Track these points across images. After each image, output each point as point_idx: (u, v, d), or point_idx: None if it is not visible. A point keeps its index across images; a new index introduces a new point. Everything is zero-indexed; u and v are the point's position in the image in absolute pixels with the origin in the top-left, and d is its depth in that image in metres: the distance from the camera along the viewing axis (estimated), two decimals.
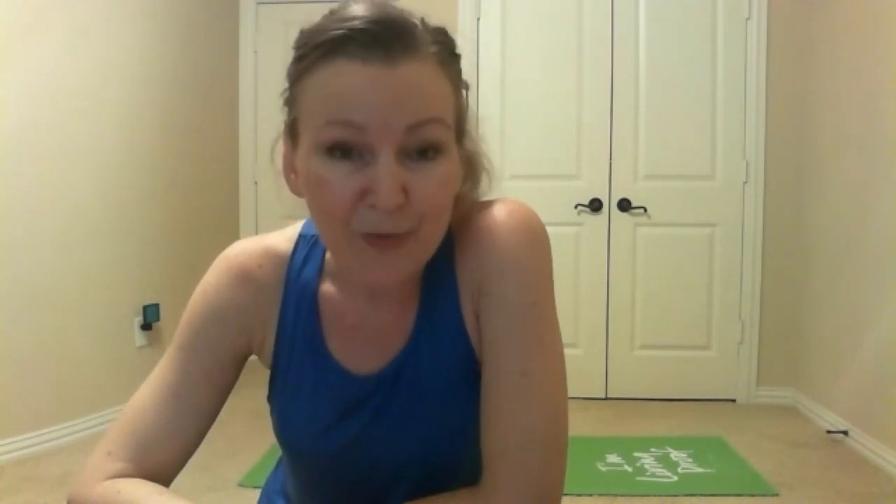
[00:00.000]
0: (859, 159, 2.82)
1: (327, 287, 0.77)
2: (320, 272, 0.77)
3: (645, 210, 3.42)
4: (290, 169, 0.70)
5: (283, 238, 0.80)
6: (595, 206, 3.42)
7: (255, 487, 2.31)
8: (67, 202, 2.77)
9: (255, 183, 4.09)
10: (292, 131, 0.68)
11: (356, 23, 0.61)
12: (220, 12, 3.89)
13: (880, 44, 2.66)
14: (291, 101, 0.67)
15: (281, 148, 0.71)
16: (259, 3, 4.03)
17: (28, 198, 2.61)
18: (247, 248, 0.79)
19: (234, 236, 4.05)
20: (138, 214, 3.15)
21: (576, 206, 3.42)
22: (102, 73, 2.92)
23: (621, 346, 3.48)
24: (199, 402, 0.74)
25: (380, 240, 0.63)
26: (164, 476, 0.72)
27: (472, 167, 0.75)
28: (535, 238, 0.72)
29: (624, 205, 3.41)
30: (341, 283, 0.76)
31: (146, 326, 3.16)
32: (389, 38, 0.61)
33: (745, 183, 3.37)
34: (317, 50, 0.62)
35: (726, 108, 3.37)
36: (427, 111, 0.62)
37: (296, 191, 0.70)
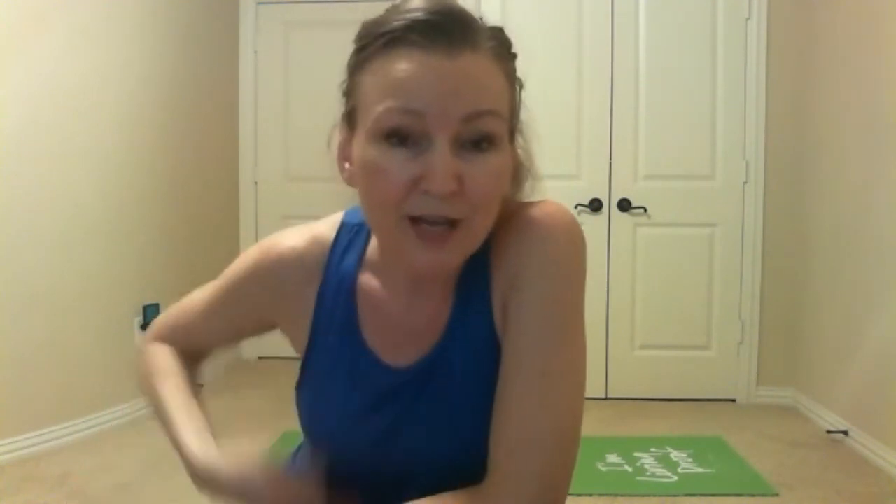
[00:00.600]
0: (859, 159, 2.82)
1: (367, 277, 0.77)
2: (360, 262, 0.78)
3: (645, 210, 3.42)
4: (343, 158, 0.72)
5: (326, 225, 0.81)
6: (595, 206, 3.43)
7: None
8: (67, 202, 2.77)
9: (255, 183, 4.09)
10: (350, 120, 0.70)
11: (418, 14, 0.63)
12: (220, 12, 3.89)
13: (880, 43, 2.66)
14: (350, 91, 0.69)
15: (336, 139, 0.73)
16: (259, 3, 4.03)
17: (28, 198, 2.61)
18: (284, 234, 0.81)
19: (234, 236, 4.05)
20: (138, 214, 3.15)
21: (576, 206, 3.42)
22: (102, 73, 2.92)
23: (621, 346, 3.48)
24: (224, 327, 0.89)
25: (427, 233, 0.65)
26: (198, 353, 0.93)
27: (518, 169, 0.76)
28: (571, 240, 0.72)
29: (624, 205, 3.42)
30: (381, 274, 0.77)
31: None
32: (450, 29, 0.63)
33: (745, 183, 3.37)
34: (378, 40, 0.65)
35: (726, 108, 3.37)
36: (484, 102, 0.64)
37: (349, 180, 0.72)
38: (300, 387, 0.81)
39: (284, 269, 0.79)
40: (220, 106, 3.90)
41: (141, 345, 0.94)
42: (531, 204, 0.75)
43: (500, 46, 0.68)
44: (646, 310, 3.46)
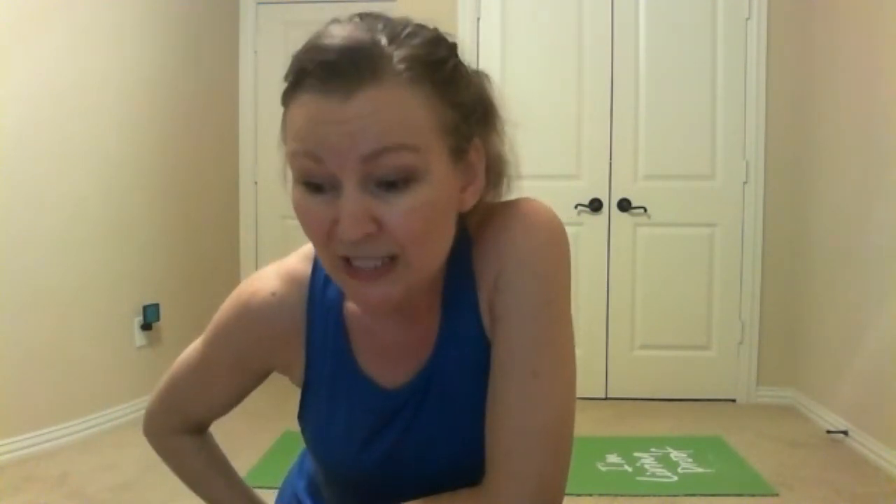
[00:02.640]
0: (859, 159, 2.82)
1: (352, 304, 0.76)
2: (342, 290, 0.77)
3: (645, 210, 3.42)
4: None
5: (299, 260, 0.79)
6: (595, 206, 3.43)
7: (255, 487, 2.30)
8: (67, 202, 2.77)
9: (255, 183, 4.09)
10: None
11: (317, 55, 0.60)
12: (220, 12, 3.89)
13: (880, 44, 2.66)
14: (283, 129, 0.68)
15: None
16: (259, 3, 4.03)
17: (28, 198, 2.61)
18: (260, 279, 0.79)
19: (234, 236, 4.05)
20: (138, 214, 3.15)
21: (576, 206, 3.42)
22: (102, 73, 2.92)
23: (621, 346, 3.48)
24: (220, 388, 0.85)
25: (358, 272, 0.64)
26: (203, 425, 0.91)
27: (499, 171, 0.74)
28: (552, 237, 0.71)
29: (624, 205, 3.42)
30: None
31: (146, 326, 3.16)
32: (346, 68, 0.59)
33: (745, 183, 3.37)
34: (290, 82, 0.63)
35: (726, 108, 3.37)
36: (387, 138, 0.59)
37: None
38: (302, 417, 0.81)
39: (269, 317, 0.77)
40: (220, 106, 3.90)
41: (152, 437, 0.92)
42: (510, 203, 0.73)
43: (417, 65, 0.61)
44: (646, 310, 3.46)
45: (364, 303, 0.66)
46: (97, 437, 2.81)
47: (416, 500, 0.70)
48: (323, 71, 0.60)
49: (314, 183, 0.62)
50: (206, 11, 3.72)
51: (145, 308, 3.17)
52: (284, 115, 0.65)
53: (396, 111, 0.60)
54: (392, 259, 0.63)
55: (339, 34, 0.61)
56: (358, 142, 0.59)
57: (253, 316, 0.77)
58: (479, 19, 3.47)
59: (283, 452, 2.59)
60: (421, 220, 0.62)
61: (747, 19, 3.33)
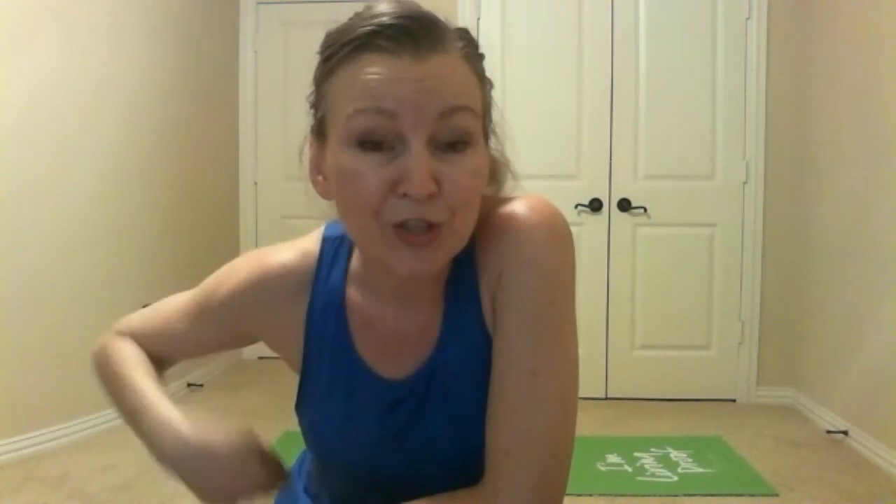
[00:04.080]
0: (859, 159, 2.82)
1: (353, 292, 0.76)
2: (345, 276, 0.77)
3: (645, 210, 3.42)
4: (316, 171, 0.71)
5: (311, 240, 0.80)
6: (595, 206, 3.43)
7: None
8: (67, 202, 2.77)
9: (255, 183, 4.09)
10: (319, 131, 0.69)
11: (384, 19, 0.62)
12: (220, 12, 3.89)
13: (880, 44, 2.66)
14: (318, 101, 0.68)
15: (307, 153, 0.71)
16: (259, 3, 4.03)
17: (28, 198, 2.60)
18: (276, 249, 0.80)
19: (235, 236, 4.05)
20: (138, 214, 3.15)
21: (576, 206, 3.42)
22: (102, 73, 2.92)
23: (621, 346, 3.48)
24: (191, 343, 0.88)
25: (412, 237, 0.63)
26: (164, 362, 0.91)
27: (495, 168, 0.76)
28: (556, 234, 0.71)
29: (624, 205, 3.42)
30: (367, 286, 0.76)
31: None
32: (418, 32, 0.62)
33: (745, 183, 3.37)
34: (345, 47, 0.64)
35: (726, 108, 3.37)
36: (458, 99, 0.63)
37: (324, 193, 0.70)
38: (299, 406, 0.80)
39: (276, 284, 0.77)
40: (220, 106, 3.90)
41: (104, 336, 0.92)
42: (513, 199, 0.73)
43: (469, 47, 0.67)
44: (646, 310, 3.46)
45: (410, 269, 0.65)
46: (97, 437, 2.81)
47: (417, 501, 0.70)
48: (395, 32, 0.62)
49: (373, 141, 0.62)
50: (206, 11, 3.72)
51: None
52: (325, 85, 0.66)
53: (464, 78, 0.65)
54: (434, 228, 0.64)
55: (394, 6, 0.63)
56: (435, 98, 0.62)
57: (260, 277, 0.78)
58: (479, 19, 3.47)
59: (283, 452, 2.59)
60: (474, 183, 0.65)
61: (747, 19, 3.33)
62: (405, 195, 0.62)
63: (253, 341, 0.83)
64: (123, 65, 3.05)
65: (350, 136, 0.63)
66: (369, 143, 0.62)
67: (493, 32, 3.45)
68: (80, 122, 2.81)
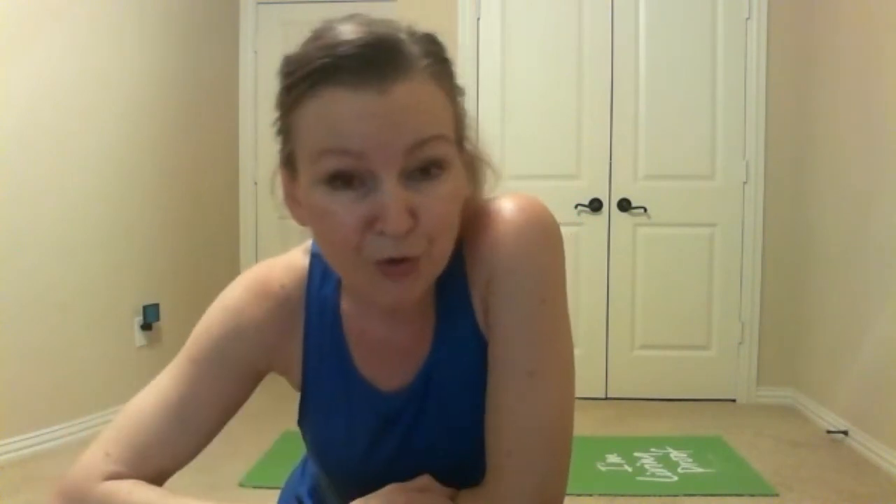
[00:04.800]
0: (859, 159, 2.82)
1: (346, 304, 0.75)
2: (339, 289, 0.76)
3: (645, 210, 3.42)
4: (291, 199, 0.68)
5: (301, 254, 0.78)
6: (595, 206, 3.43)
7: (255, 487, 2.31)
8: (67, 202, 2.77)
9: (255, 183, 4.09)
10: (289, 162, 0.66)
11: (343, 49, 0.59)
12: (220, 12, 3.89)
13: (880, 44, 2.66)
14: (285, 132, 0.65)
15: (279, 182, 0.69)
16: (259, 3, 4.03)
17: (28, 198, 2.61)
18: (269, 267, 0.77)
19: (234, 236, 4.05)
20: (138, 214, 3.15)
21: (576, 206, 3.42)
22: (102, 73, 2.92)
23: (621, 346, 3.48)
24: (203, 418, 0.72)
25: (393, 268, 0.62)
26: (157, 483, 0.71)
27: (474, 170, 0.73)
28: (544, 233, 0.70)
29: (624, 205, 3.42)
30: (359, 299, 0.75)
31: (146, 326, 3.16)
32: (379, 62, 0.59)
33: (745, 183, 3.37)
34: (305, 80, 0.60)
35: (726, 108, 3.37)
36: (426, 129, 0.60)
37: (300, 220, 0.68)
38: (302, 423, 0.79)
39: (276, 309, 0.75)
40: (220, 106, 3.90)
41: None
42: (500, 199, 0.72)
43: (435, 61, 0.63)
44: (646, 310, 3.46)
45: (393, 301, 0.64)
46: (97, 437, 2.81)
47: None
48: (355, 64, 0.58)
49: (344, 178, 0.60)
50: (206, 11, 3.72)
51: (145, 308, 3.17)
52: (289, 117, 0.63)
53: (431, 103, 0.62)
54: (417, 258, 0.62)
55: (355, 31, 0.59)
56: (402, 133, 0.59)
57: (264, 304, 0.74)
58: (478, 19, 3.47)
59: (283, 452, 2.59)
60: (452, 209, 0.64)
61: (747, 19, 3.33)
62: (382, 233, 0.60)
63: (263, 375, 0.77)
64: (123, 65, 3.05)
65: (320, 176, 0.61)
66: (339, 181, 0.60)
67: (492, 32, 3.45)
68: (81, 122, 2.81)
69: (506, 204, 0.71)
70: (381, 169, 0.59)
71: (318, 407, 0.77)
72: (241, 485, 2.36)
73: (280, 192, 0.69)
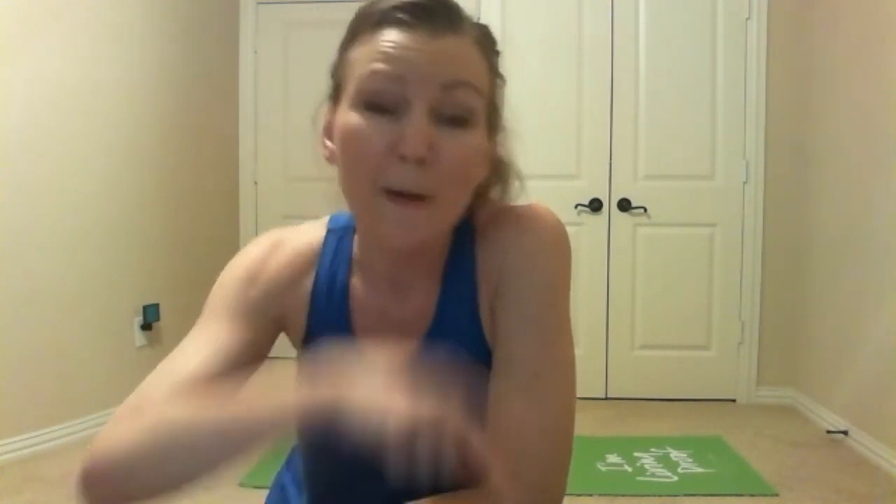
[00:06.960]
0: (859, 159, 2.82)
1: (355, 280, 0.79)
2: (349, 265, 0.79)
3: (645, 210, 3.42)
4: (327, 136, 0.75)
5: (318, 225, 0.82)
6: (595, 206, 3.43)
7: (255, 487, 2.30)
8: (67, 202, 2.77)
9: (255, 183, 4.09)
10: (335, 95, 0.73)
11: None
12: (220, 12, 3.89)
13: (881, 43, 2.66)
14: (337, 68, 0.73)
15: (322, 119, 0.75)
16: (259, 3, 4.03)
17: (28, 198, 2.61)
18: (283, 232, 0.82)
19: (234, 236, 4.05)
20: (138, 214, 3.15)
21: (576, 206, 3.42)
22: (102, 73, 2.92)
23: (621, 346, 3.48)
24: (233, 362, 0.72)
25: (402, 198, 0.66)
26: None
27: (502, 172, 0.78)
28: (556, 243, 0.74)
29: (624, 205, 3.42)
30: (365, 273, 0.78)
31: (146, 326, 3.16)
32: (435, 13, 0.67)
33: (745, 183, 3.37)
34: (369, 20, 0.68)
35: (726, 108, 3.37)
36: (462, 74, 0.67)
37: (330, 158, 0.74)
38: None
39: (288, 264, 0.79)
40: (220, 106, 3.90)
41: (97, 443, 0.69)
42: (517, 206, 0.77)
43: (484, 38, 0.72)
44: (646, 310, 3.46)
45: (397, 235, 0.67)
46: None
47: (419, 502, 0.70)
48: (414, 10, 0.67)
49: (380, 105, 0.66)
50: (206, 11, 3.72)
51: (145, 308, 3.17)
52: (347, 52, 0.71)
53: (473, 60, 0.70)
54: (426, 197, 0.66)
55: None
56: (441, 70, 0.66)
57: (278, 258, 0.79)
58: (478, 19, 3.46)
59: (283, 452, 2.59)
60: (469, 161, 0.68)
61: (747, 19, 3.33)
62: (401, 157, 0.65)
63: (280, 329, 0.79)
64: (123, 65, 3.05)
65: (359, 97, 0.67)
66: (376, 106, 0.66)
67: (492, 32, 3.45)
68: (80, 123, 2.81)
69: (521, 211, 0.76)
70: (414, 97, 0.65)
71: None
72: (242, 485, 2.36)
73: (319, 128, 0.76)
